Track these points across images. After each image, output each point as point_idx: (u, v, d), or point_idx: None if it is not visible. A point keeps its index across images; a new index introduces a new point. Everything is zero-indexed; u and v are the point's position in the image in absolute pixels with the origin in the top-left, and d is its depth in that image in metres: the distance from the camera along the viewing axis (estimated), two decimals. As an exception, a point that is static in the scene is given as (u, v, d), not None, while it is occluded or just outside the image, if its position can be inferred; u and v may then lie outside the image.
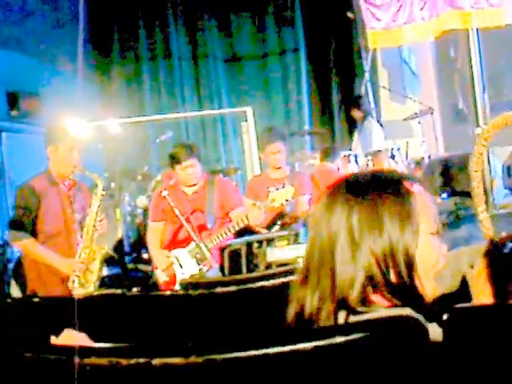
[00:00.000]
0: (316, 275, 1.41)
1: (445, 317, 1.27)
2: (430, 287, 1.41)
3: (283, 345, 1.17)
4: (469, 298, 1.58)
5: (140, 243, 6.63)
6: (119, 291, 2.46)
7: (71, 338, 1.59)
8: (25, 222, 4.11)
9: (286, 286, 1.49)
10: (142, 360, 1.19)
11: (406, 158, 6.98)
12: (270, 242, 4.31)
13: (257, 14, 9.21)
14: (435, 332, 1.27)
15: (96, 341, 1.57)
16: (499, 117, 2.41)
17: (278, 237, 4.31)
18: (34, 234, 4.14)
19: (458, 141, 7.75)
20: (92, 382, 1.24)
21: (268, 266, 4.06)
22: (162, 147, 7.93)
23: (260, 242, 4.37)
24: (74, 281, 4.11)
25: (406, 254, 1.37)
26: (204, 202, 4.69)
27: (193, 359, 1.18)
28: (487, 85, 5.72)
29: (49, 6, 7.93)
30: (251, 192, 5.26)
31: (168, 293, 3.05)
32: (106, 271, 4.75)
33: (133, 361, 1.19)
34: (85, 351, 1.26)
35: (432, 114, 7.32)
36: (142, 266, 6.31)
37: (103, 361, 1.21)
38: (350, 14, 8.31)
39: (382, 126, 7.76)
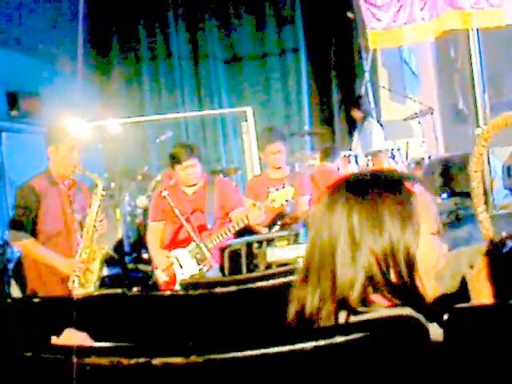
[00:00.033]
0: (316, 275, 1.41)
1: (445, 317, 1.27)
2: (430, 287, 1.41)
3: (283, 345, 1.17)
4: (468, 299, 1.58)
5: (140, 243, 6.63)
6: (119, 291, 2.46)
7: (72, 337, 1.59)
8: (25, 222, 4.11)
9: (286, 286, 1.49)
10: (142, 360, 1.19)
11: (406, 158, 6.98)
12: (270, 242, 4.31)
13: (257, 14, 9.21)
14: (436, 332, 1.27)
15: (96, 341, 1.57)
16: (499, 117, 2.41)
17: (278, 237, 4.30)
18: (34, 233, 4.14)
19: (458, 141, 7.75)
20: (92, 382, 1.24)
21: (268, 266, 4.06)
22: (161, 147, 7.93)
23: (260, 242, 4.37)
24: (74, 281, 4.11)
25: (406, 254, 1.37)
26: (204, 202, 4.69)
27: (193, 359, 1.18)
28: (487, 85, 5.71)
29: (49, 5, 7.93)
30: (251, 192, 5.26)
31: (168, 293, 3.05)
32: (106, 271, 4.76)
33: (133, 360, 1.19)
34: (85, 351, 1.26)
35: (432, 114, 7.32)
36: (142, 266, 6.31)
37: (104, 360, 1.21)
38: (350, 14, 8.31)
39: (382, 126, 7.76)
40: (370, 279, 1.37)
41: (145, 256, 6.33)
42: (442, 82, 8.65)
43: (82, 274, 4.11)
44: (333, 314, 1.38)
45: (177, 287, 4.37)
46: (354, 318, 1.36)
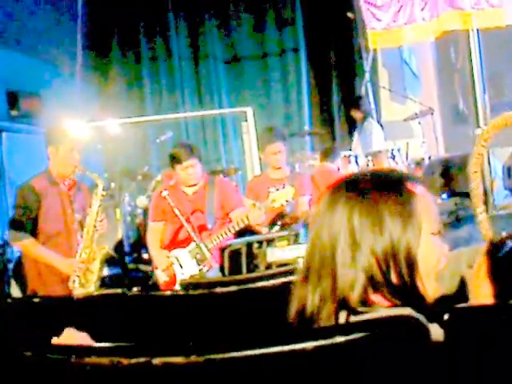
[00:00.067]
0: (317, 276, 1.41)
1: (445, 317, 1.27)
2: (431, 288, 1.40)
3: (284, 344, 1.17)
4: (467, 299, 1.58)
5: (140, 243, 6.63)
6: (119, 291, 2.46)
7: (72, 337, 1.59)
8: (25, 222, 4.11)
9: (286, 286, 1.49)
10: (142, 359, 1.19)
11: (406, 158, 6.98)
12: (270, 242, 4.31)
13: (257, 14, 9.21)
14: (436, 332, 1.27)
15: (96, 341, 1.57)
16: (499, 117, 2.41)
17: (278, 237, 4.30)
18: (34, 234, 4.14)
19: (458, 141, 7.75)
20: (93, 382, 1.24)
21: (268, 267, 4.06)
22: (161, 147, 7.93)
23: (260, 243, 4.37)
24: (74, 281, 4.11)
25: (407, 254, 1.37)
26: (204, 203, 4.69)
27: (193, 359, 1.18)
28: (487, 85, 5.71)
29: (49, 6, 7.93)
30: (251, 192, 5.26)
31: (168, 293, 3.05)
32: (106, 271, 4.76)
33: (133, 360, 1.19)
34: (85, 350, 1.26)
35: (432, 114, 7.32)
36: (142, 266, 6.31)
37: (104, 360, 1.21)
38: (350, 15, 8.30)
39: (382, 126, 7.76)
40: (371, 279, 1.36)
41: (145, 256, 6.33)
42: (443, 82, 8.65)
43: (83, 274, 4.11)
44: (333, 314, 1.38)
45: (177, 287, 4.37)
46: (354, 318, 1.36)
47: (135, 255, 6.81)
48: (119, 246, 5.16)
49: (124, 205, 6.86)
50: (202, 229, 4.62)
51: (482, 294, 1.50)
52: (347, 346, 1.17)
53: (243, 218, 4.41)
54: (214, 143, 9.15)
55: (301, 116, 9.04)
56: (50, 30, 7.84)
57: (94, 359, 1.22)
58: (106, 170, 6.88)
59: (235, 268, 4.35)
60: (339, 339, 1.17)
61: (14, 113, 7.14)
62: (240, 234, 4.69)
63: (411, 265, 1.37)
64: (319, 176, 5.85)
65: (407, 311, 1.33)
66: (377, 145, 7.32)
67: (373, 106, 8.14)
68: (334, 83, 9.03)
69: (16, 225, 4.16)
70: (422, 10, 6.90)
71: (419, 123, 7.31)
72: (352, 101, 8.15)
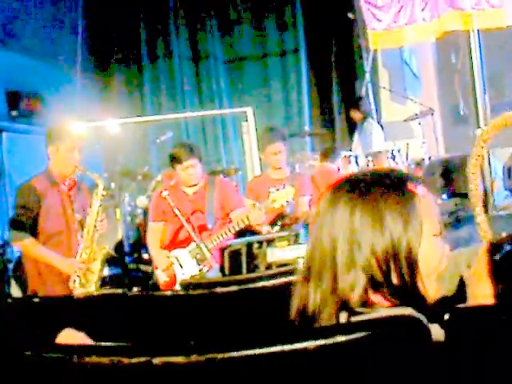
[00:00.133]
0: (317, 276, 1.40)
1: (446, 317, 1.27)
2: (432, 288, 1.40)
3: (284, 344, 1.17)
4: (466, 300, 1.58)
5: (140, 243, 6.63)
6: (120, 291, 2.46)
7: (71, 337, 1.59)
8: (25, 222, 4.11)
9: (286, 286, 1.49)
10: (143, 359, 1.19)
11: (407, 159, 6.98)
12: (270, 242, 4.31)
13: (257, 14, 9.21)
14: (437, 332, 1.27)
15: (96, 341, 1.57)
16: (499, 117, 2.40)
17: (278, 237, 4.30)
18: (34, 233, 4.14)
19: (458, 142, 7.75)
20: (93, 381, 1.24)
21: (268, 267, 4.06)
22: (161, 147, 7.93)
23: (260, 243, 4.37)
24: (74, 281, 4.11)
25: (408, 254, 1.36)
26: (204, 203, 4.69)
27: (194, 358, 1.18)
28: (488, 86, 5.71)
29: (49, 6, 7.93)
30: (251, 192, 5.26)
31: (168, 293, 3.05)
32: (106, 271, 4.76)
33: (134, 360, 1.19)
34: (86, 350, 1.26)
35: (432, 115, 7.32)
36: (142, 266, 6.31)
37: (104, 360, 1.21)
38: (350, 15, 8.30)
39: (382, 127, 7.76)
40: (371, 280, 1.36)
41: (145, 256, 6.33)
42: (443, 82, 8.64)
43: (83, 274, 4.11)
44: (334, 314, 1.38)
45: (177, 287, 4.37)
46: (354, 319, 1.36)
47: (135, 255, 6.81)
48: (119, 246, 5.17)
49: (124, 205, 6.85)
50: (202, 229, 4.62)
51: (481, 294, 1.50)
52: (348, 345, 1.17)
53: (243, 219, 4.41)
54: (214, 143, 9.15)
55: (301, 116, 9.04)
56: (50, 30, 7.84)
57: (94, 359, 1.22)
58: (106, 169, 6.88)
59: (235, 268, 4.35)
60: (340, 339, 1.17)
61: (14, 113, 7.14)
62: (240, 234, 4.69)
63: (412, 265, 1.37)
64: (319, 176, 5.85)
65: (408, 311, 1.33)
66: (377, 145, 7.32)
67: (373, 106, 8.14)
68: (334, 84, 9.03)
69: (16, 225, 4.16)
70: (423, 10, 6.90)
71: (419, 124, 7.31)
72: (352, 101, 8.15)
